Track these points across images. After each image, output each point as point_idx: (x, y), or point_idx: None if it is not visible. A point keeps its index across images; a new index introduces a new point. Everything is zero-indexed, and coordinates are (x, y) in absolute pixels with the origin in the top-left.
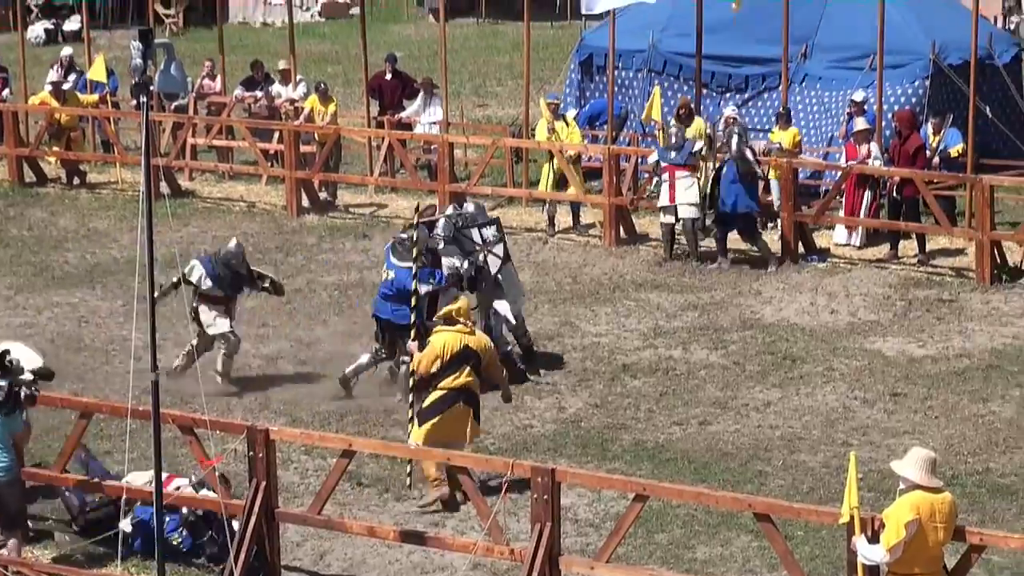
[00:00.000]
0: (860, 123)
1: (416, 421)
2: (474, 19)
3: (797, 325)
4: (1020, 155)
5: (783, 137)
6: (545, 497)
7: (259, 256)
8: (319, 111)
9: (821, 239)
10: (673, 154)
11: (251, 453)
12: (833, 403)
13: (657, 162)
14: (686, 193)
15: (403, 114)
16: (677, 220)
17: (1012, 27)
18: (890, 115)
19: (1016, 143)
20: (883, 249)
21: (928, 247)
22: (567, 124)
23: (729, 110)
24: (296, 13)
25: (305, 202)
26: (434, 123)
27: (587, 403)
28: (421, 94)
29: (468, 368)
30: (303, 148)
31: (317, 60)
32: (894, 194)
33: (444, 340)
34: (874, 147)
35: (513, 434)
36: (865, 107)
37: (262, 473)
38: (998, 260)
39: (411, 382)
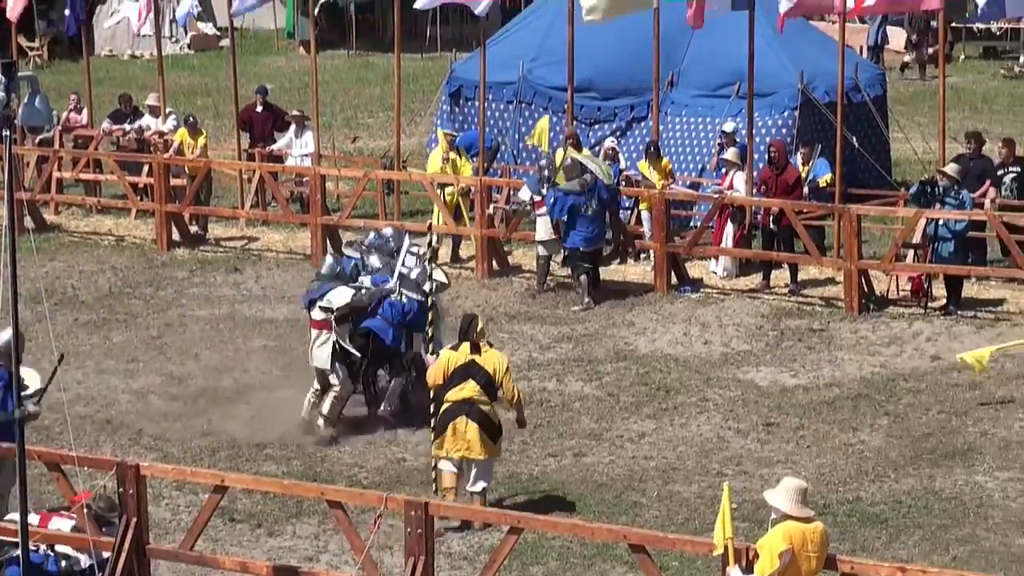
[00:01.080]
0: (729, 154)
1: (432, 435)
2: (344, 51)
3: (671, 356)
4: (885, 185)
5: (654, 170)
6: (419, 531)
7: (128, 291)
8: (189, 144)
9: (695, 270)
10: (544, 187)
11: (121, 489)
12: (707, 433)
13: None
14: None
15: (274, 146)
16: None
17: (907, 60)
18: (762, 147)
19: (882, 173)
20: (755, 279)
21: (799, 277)
22: (460, 156)
23: (609, 141)
24: (165, 45)
25: (175, 236)
26: (305, 155)
27: None
28: (292, 126)
29: (472, 383)
30: (173, 181)
31: (187, 93)
32: (770, 225)
33: (449, 355)
34: (738, 177)
35: (387, 467)
36: (736, 138)
37: (132, 509)
38: (866, 289)
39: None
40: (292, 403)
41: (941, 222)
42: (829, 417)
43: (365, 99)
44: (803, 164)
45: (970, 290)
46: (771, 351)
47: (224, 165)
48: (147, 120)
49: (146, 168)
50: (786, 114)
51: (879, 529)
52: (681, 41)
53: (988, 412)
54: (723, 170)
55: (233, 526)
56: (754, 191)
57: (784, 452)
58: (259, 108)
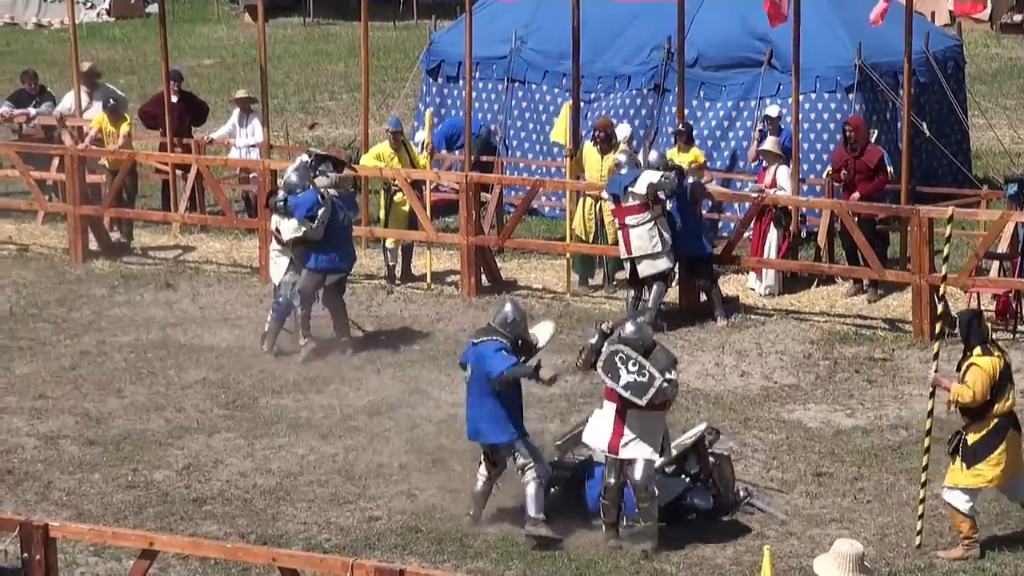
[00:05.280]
0: (769, 143)
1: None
2: (300, 19)
3: (700, 391)
4: (964, 182)
5: (683, 159)
6: None
7: (35, 312)
8: (109, 132)
9: (729, 286)
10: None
11: (26, 554)
12: (747, 482)
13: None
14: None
15: (214, 135)
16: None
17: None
18: (812, 134)
19: (959, 167)
20: (800, 297)
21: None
22: (409, 152)
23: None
24: (79, 11)
25: (93, 244)
26: (252, 146)
27: (443, 488)
28: (237, 111)
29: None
30: (89, 178)
31: (107, 69)
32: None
33: (993, 362)
34: (781, 172)
35: (354, 527)
36: (780, 124)
37: None
38: (939, 309)
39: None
40: (235, 448)
41: None
42: (895, 466)
43: (325, 77)
44: None
45: None
46: (823, 385)
47: (152, 158)
48: (67, 102)
49: (56, 162)
50: (839, 96)
51: None
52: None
53: None
54: (763, 163)
55: None
56: (827, 177)
57: (839, 509)
58: (175, 98)
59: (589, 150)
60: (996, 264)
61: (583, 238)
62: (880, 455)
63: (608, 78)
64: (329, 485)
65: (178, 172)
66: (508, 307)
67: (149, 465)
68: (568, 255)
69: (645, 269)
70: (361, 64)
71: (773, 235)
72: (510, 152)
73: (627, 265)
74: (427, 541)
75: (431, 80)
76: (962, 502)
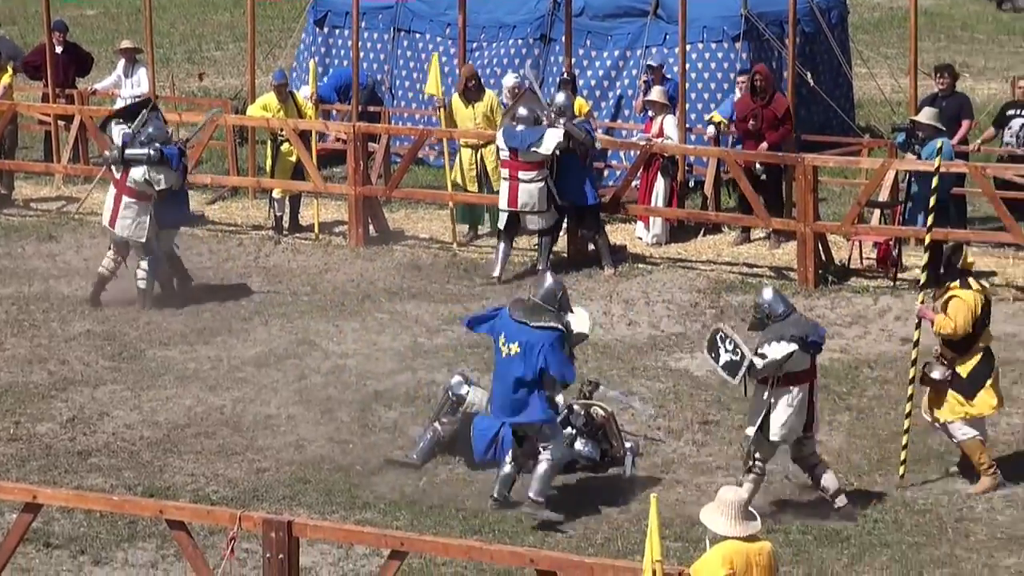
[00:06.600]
0: (655, 93)
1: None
2: None
3: (588, 340)
4: (847, 131)
5: None
6: (280, 556)
7: None
8: None
9: (616, 235)
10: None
11: None
12: (633, 434)
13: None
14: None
15: (99, 86)
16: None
17: None
18: (699, 84)
19: (842, 117)
20: (687, 246)
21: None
22: (296, 103)
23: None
24: None
25: None
26: (138, 96)
27: (332, 440)
28: (122, 62)
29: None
30: None
31: None
32: (755, 169)
33: (975, 296)
34: (669, 122)
35: (242, 479)
36: (665, 73)
37: None
38: (823, 257)
39: None
40: (122, 401)
41: (915, 176)
42: None
43: (212, 27)
44: None
45: None
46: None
47: (33, 109)
48: None
49: None
50: (726, 45)
51: (840, 549)
52: None
53: None
54: (650, 113)
55: (49, 553)
56: (730, 126)
57: (725, 456)
58: (59, 48)
59: (456, 101)
60: (877, 212)
61: (465, 188)
62: None
63: (492, 28)
64: (217, 437)
65: (60, 123)
66: (550, 280)
67: (32, 418)
68: (451, 205)
69: (531, 223)
70: (247, 14)
71: (660, 184)
72: (396, 102)
73: (504, 216)
74: (315, 492)
75: (317, 30)
76: (968, 434)
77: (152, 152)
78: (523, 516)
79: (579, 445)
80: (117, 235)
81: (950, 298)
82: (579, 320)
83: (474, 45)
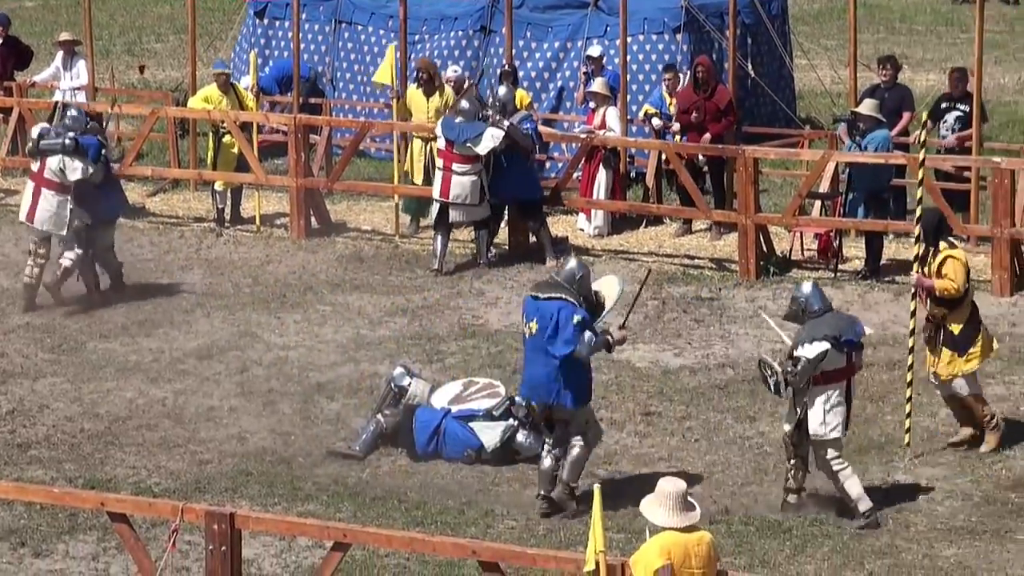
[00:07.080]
0: (597, 84)
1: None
2: None
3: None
4: (788, 123)
5: None
6: (223, 548)
7: None
8: None
9: (559, 226)
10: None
11: None
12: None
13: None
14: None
15: (37, 78)
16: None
17: None
18: (640, 75)
19: (783, 108)
20: (629, 237)
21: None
22: (237, 95)
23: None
24: None
25: None
26: (77, 88)
27: (274, 432)
28: (60, 54)
29: None
30: None
31: None
32: (698, 161)
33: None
34: (610, 113)
35: (184, 471)
36: (607, 65)
37: None
38: (764, 249)
39: None
40: (62, 393)
41: (856, 168)
42: (721, 405)
43: (151, 19)
44: (668, 94)
45: (889, 250)
46: (650, 325)
47: None
48: None
49: None
50: (667, 37)
51: (781, 540)
52: None
53: None
54: (591, 105)
55: None
56: (672, 119)
57: (667, 447)
58: None
59: (414, 92)
60: (818, 204)
61: (415, 180)
62: (707, 394)
63: (434, 20)
64: (158, 429)
65: None
66: (573, 262)
67: None
68: (397, 197)
69: (457, 216)
70: (187, 5)
71: (602, 176)
72: (337, 94)
73: (436, 207)
74: (258, 484)
75: (257, 21)
76: (966, 388)
77: (67, 141)
78: (464, 508)
79: (520, 437)
80: (37, 228)
81: (944, 260)
82: (608, 286)
83: (416, 37)
